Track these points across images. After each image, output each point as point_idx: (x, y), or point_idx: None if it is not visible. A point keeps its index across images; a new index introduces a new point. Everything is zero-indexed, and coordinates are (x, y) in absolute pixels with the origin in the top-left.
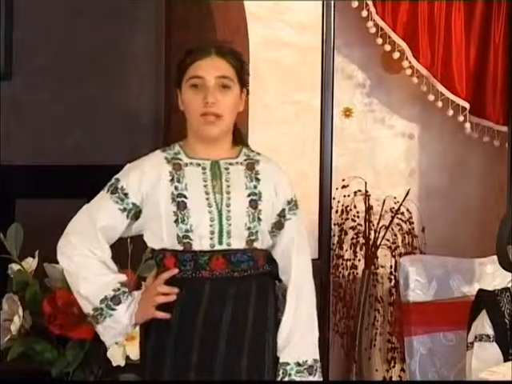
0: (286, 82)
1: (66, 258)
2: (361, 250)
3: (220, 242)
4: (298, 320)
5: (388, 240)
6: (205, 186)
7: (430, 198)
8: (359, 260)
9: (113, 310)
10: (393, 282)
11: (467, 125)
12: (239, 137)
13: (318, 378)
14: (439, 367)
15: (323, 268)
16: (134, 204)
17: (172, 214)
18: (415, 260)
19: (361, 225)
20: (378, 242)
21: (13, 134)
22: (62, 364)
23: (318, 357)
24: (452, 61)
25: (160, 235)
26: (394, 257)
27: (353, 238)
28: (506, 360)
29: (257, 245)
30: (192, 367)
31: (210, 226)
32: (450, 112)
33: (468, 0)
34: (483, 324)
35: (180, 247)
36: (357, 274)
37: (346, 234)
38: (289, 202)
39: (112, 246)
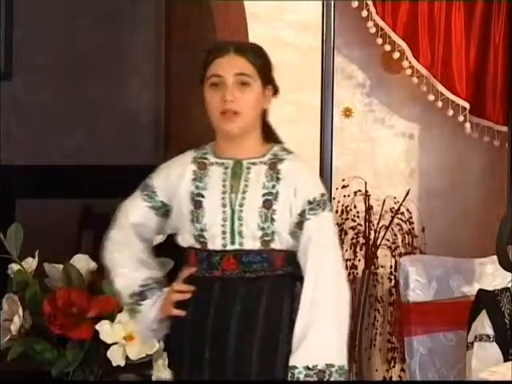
0: (285, 82)
1: (106, 253)
2: (361, 249)
3: (232, 242)
4: (311, 322)
5: (388, 240)
6: (223, 186)
7: (430, 198)
8: (359, 260)
9: (139, 305)
10: (393, 281)
11: (467, 125)
12: (270, 134)
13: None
14: (439, 367)
15: None
16: (162, 202)
17: (189, 213)
18: (415, 260)
19: (361, 225)
20: (378, 242)
21: (13, 133)
22: (62, 364)
23: (334, 361)
24: (452, 61)
25: (183, 234)
26: (394, 257)
27: (353, 238)
28: (506, 360)
29: (274, 246)
30: (205, 365)
31: (222, 225)
32: (450, 112)
33: (468, 0)
34: (483, 324)
35: (198, 246)
36: (357, 274)
37: (345, 234)
38: (310, 202)
39: None
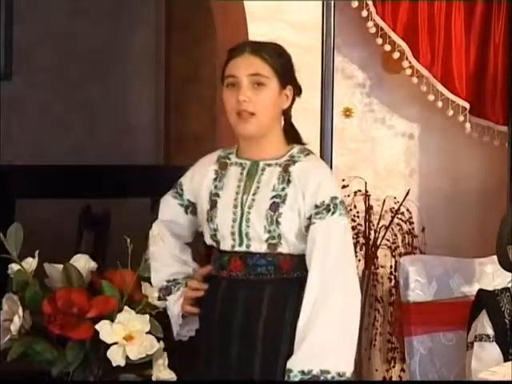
0: None
1: (149, 246)
2: (361, 250)
3: (240, 244)
4: (310, 326)
5: (388, 240)
6: (238, 187)
7: (430, 198)
8: (359, 260)
9: (165, 300)
10: (393, 282)
11: (467, 125)
12: (291, 135)
13: None
14: (439, 367)
15: None
16: (188, 200)
17: (206, 212)
18: (415, 260)
19: (361, 225)
20: (378, 242)
21: (13, 134)
22: (62, 364)
23: (330, 368)
24: (452, 61)
25: (205, 232)
26: (394, 257)
27: (353, 238)
28: (506, 360)
29: (281, 249)
30: (214, 364)
31: (232, 226)
32: (450, 112)
33: (468, 0)
34: (483, 324)
35: (215, 245)
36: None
37: None
38: (317, 206)
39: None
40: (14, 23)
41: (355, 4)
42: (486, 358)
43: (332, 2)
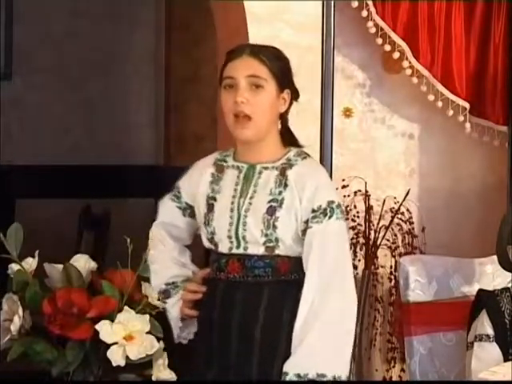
0: None
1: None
2: (361, 250)
3: (238, 246)
4: (307, 329)
5: (388, 240)
6: (234, 190)
7: (430, 198)
8: (359, 260)
9: (164, 302)
10: (393, 282)
11: (467, 125)
12: (288, 138)
13: None
14: (439, 367)
15: None
16: (186, 203)
17: (203, 215)
18: (415, 260)
19: (361, 225)
20: (378, 242)
21: (13, 133)
22: (62, 364)
23: (326, 371)
24: (452, 61)
25: (202, 235)
26: (394, 257)
27: (353, 238)
28: (506, 360)
29: (279, 252)
30: (213, 366)
31: (229, 230)
32: (450, 112)
33: (468, 0)
34: (483, 324)
35: (213, 248)
36: (357, 274)
37: None
38: (314, 211)
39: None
40: (14, 23)
41: (355, 4)
42: (486, 358)
43: (332, 2)
